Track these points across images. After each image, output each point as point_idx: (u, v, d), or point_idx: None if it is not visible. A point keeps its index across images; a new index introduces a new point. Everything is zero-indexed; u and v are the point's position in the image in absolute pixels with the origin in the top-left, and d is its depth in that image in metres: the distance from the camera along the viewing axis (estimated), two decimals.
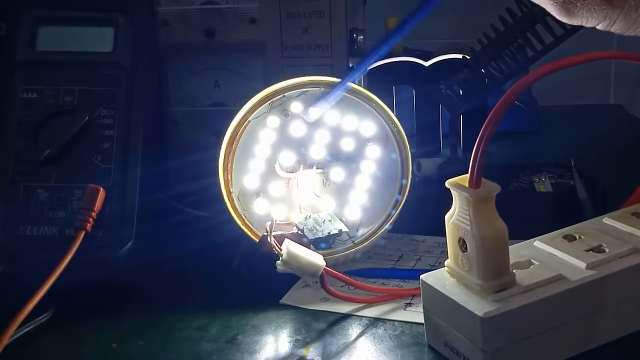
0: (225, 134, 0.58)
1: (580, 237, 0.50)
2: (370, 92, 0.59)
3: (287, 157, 0.59)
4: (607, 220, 0.52)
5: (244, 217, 0.58)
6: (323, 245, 0.56)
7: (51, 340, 0.52)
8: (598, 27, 0.40)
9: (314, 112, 0.58)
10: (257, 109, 0.59)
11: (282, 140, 0.59)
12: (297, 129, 0.59)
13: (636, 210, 0.53)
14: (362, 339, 0.50)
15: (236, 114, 0.59)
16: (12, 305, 0.50)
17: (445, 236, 0.47)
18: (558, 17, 0.41)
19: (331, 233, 0.56)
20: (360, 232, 0.59)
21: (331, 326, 0.52)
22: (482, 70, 0.68)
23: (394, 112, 0.60)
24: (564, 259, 0.48)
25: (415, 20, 0.50)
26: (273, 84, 0.59)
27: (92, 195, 0.56)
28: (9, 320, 0.49)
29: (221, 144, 0.58)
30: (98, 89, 0.60)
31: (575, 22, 0.41)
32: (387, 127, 0.60)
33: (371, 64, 0.55)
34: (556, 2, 0.40)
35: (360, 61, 0.55)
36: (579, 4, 0.39)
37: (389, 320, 0.52)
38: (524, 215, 0.61)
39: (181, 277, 0.60)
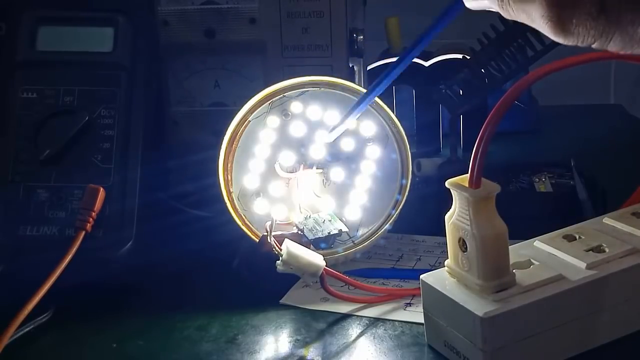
0: (225, 134, 0.58)
1: (580, 237, 0.50)
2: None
3: (287, 157, 0.59)
4: (607, 220, 0.52)
5: (244, 217, 0.58)
6: (323, 245, 0.56)
7: (51, 340, 0.52)
8: (594, 46, 0.39)
9: (333, 134, 0.58)
10: (257, 109, 0.59)
11: (282, 140, 0.59)
12: (297, 129, 0.59)
13: (636, 210, 0.53)
14: (362, 339, 0.50)
15: (236, 114, 0.59)
16: (12, 305, 0.50)
17: (445, 236, 0.47)
18: (553, 37, 0.40)
19: (331, 233, 0.56)
20: (360, 232, 0.59)
21: (331, 326, 0.52)
22: (482, 70, 0.68)
23: (394, 112, 0.60)
24: (564, 259, 0.48)
25: (423, 44, 0.50)
26: (273, 84, 0.59)
27: (92, 195, 0.56)
28: (9, 320, 0.49)
29: (221, 144, 0.58)
30: (98, 89, 0.60)
31: (570, 40, 0.39)
32: (387, 127, 0.60)
33: (380, 92, 0.55)
34: (551, 20, 0.39)
35: (370, 90, 0.56)
36: (574, 20, 0.38)
37: (389, 320, 0.52)
38: (524, 215, 0.61)
39: (181, 277, 0.60)
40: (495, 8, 0.41)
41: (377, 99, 0.59)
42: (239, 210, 0.58)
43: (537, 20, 0.40)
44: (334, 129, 0.58)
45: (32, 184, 0.58)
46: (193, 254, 0.61)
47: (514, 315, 0.43)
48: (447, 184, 0.45)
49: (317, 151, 0.59)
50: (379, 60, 0.83)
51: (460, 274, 0.46)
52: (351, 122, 0.58)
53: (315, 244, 0.56)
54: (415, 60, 0.79)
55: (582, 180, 0.69)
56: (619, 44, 0.39)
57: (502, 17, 0.60)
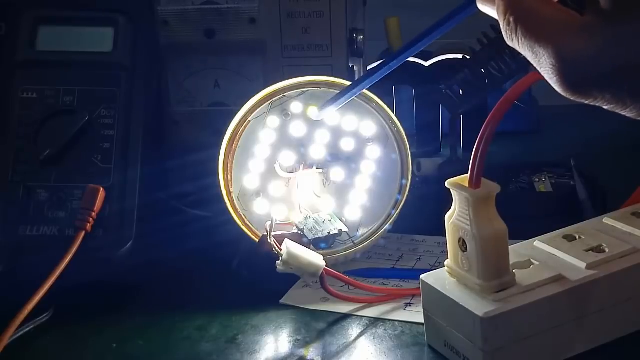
0: (225, 134, 0.58)
1: (580, 237, 0.50)
2: (370, 92, 0.59)
3: (287, 157, 0.59)
4: (607, 220, 0.52)
5: (244, 217, 0.58)
6: (323, 245, 0.56)
7: (51, 340, 0.52)
8: (605, 107, 0.35)
9: (322, 113, 0.58)
10: (257, 109, 0.59)
11: (282, 140, 0.59)
12: (297, 129, 0.59)
13: (636, 210, 0.53)
14: (362, 339, 0.50)
15: (236, 114, 0.59)
16: (12, 305, 0.50)
17: (445, 236, 0.47)
18: (558, 91, 0.35)
19: (331, 233, 0.56)
20: (360, 232, 0.59)
21: (331, 326, 0.52)
22: (482, 70, 0.68)
23: (394, 112, 0.60)
24: (564, 259, 0.48)
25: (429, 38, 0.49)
26: (273, 84, 0.59)
27: (92, 195, 0.56)
28: (9, 320, 0.49)
29: (221, 144, 0.58)
30: (98, 89, 0.60)
31: (577, 99, 0.35)
32: (387, 127, 0.60)
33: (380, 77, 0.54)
34: (562, 76, 0.34)
35: (371, 72, 0.55)
36: (591, 83, 0.34)
37: (389, 320, 0.52)
38: (524, 215, 0.61)
39: (181, 277, 0.60)
40: (501, 28, 0.37)
41: (377, 98, 0.59)
42: (239, 210, 0.58)
43: (544, 66, 0.35)
44: (328, 105, 0.57)
45: (32, 184, 0.58)
46: (193, 254, 0.61)
47: (514, 315, 0.43)
48: (447, 184, 0.45)
49: (317, 151, 0.59)
50: (379, 60, 0.83)
51: (460, 274, 0.46)
52: (342, 105, 0.56)
53: (315, 244, 0.56)
54: (415, 60, 0.79)
55: (582, 180, 0.69)
56: (636, 114, 0.35)
57: None
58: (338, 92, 0.57)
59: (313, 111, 0.58)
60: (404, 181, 0.59)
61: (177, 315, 0.54)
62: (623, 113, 0.35)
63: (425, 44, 0.49)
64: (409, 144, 0.59)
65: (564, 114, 1.03)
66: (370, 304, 0.54)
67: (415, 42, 0.49)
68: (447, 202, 0.46)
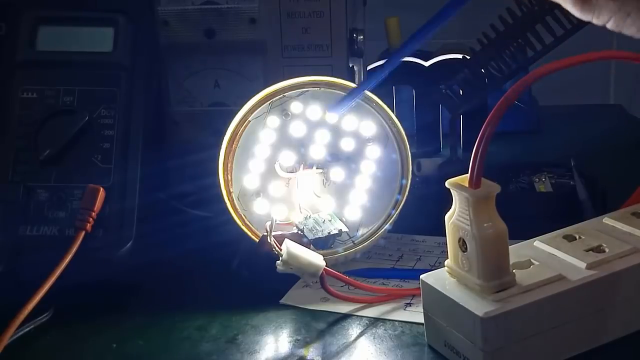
0: (225, 134, 0.58)
1: (580, 237, 0.50)
2: (370, 92, 0.59)
3: (287, 157, 0.59)
4: (607, 220, 0.52)
5: (244, 217, 0.58)
6: (323, 245, 0.56)
7: (51, 340, 0.52)
8: (609, 25, 0.39)
9: (335, 112, 0.58)
10: (257, 109, 0.59)
11: (282, 140, 0.59)
12: (297, 129, 0.59)
13: (636, 210, 0.53)
14: (362, 339, 0.50)
15: (236, 114, 0.59)
16: (12, 305, 0.50)
17: (445, 236, 0.47)
18: (572, 7, 0.39)
19: (331, 233, 0.56)
20: (360, 232, 0.59)
21: (331, 326, 0.52)
22: (482, 70, 0.68)
23: (394, 112, 0.60)
24: (564, 259, 0.48)
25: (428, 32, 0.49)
26: (273, 84, 0.59)
27: (92, 195, 0.56)
28: (9, 320, 0.49)
29: (221, 144, 0.58)
30: (98, 89, 0.60)
31: (587, 13, 0.39)
32: (387, 127, 0.60)
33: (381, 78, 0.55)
34: None
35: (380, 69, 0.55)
36: None
37: (389, 320, 0.52)
38: (524, 215, 0.61)
39: (181, 277, 0.60)
40: None
41: (377, 98, 0.59)
42: (239, 210, 0.58)
43: None
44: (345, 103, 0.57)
45: (32, 184, 0.58)
46: (193, 254, 0.61)
47: (514, 315, 0.43)
48: (447, 184, 0.45)
49: (317, 151, 0.59)
50: (379, 60, 0.83)
51: (460, 274, 0.46)
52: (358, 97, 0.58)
53: (315, 244, 0.56)
54: (415, 60, 0.79)
55: (582, 180, 0.69)
56: (637, 24, 0.37)
57: (503, 16, 0.60)
58: (354, 88, 0.57)
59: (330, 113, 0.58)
60: (404, 181, 0.59)
61: (177, 315, 0.54)
62: (625, 30, 0.38)
63: (431, 30, 0.50)
64: (409, 144, 0.59)
65: (564, 114, 1.03)
66: (370, 304, 0.54)
67: (423, 30, 0.50)
68: (447, 202, 0.46)
